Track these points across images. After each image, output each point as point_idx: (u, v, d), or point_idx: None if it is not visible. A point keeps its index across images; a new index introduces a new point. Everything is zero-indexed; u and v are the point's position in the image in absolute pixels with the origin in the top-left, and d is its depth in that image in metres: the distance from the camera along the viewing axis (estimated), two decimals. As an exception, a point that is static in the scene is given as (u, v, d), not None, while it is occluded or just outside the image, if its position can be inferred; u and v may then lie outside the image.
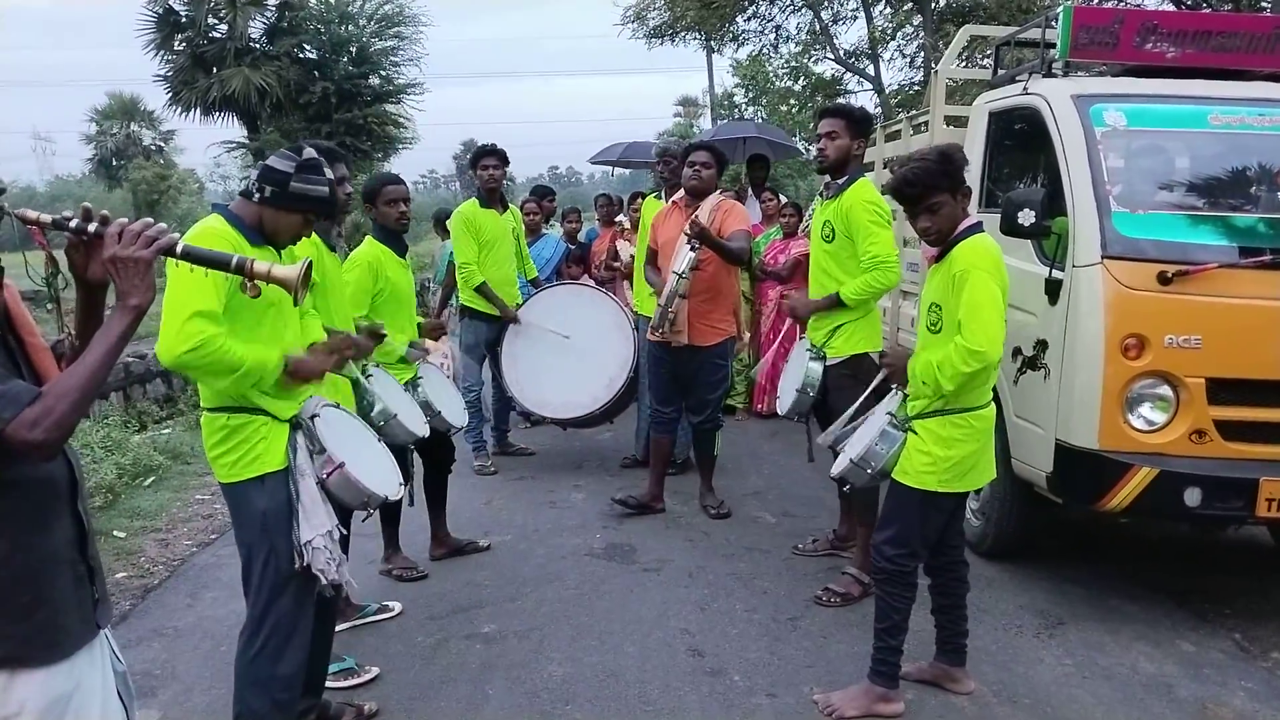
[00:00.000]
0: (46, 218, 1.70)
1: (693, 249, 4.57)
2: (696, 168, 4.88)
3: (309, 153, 2.64)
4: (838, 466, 3.36)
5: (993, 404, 3.09)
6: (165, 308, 2.43)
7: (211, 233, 2.53)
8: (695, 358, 4.92)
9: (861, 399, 3.49)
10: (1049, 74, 4.37)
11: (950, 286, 2.92)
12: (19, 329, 1.70)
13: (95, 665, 1.75)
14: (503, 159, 5.95)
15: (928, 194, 2.95)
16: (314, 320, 3.04)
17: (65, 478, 1.72)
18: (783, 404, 4.39)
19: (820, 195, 4.35)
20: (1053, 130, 3.99)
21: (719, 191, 5.01)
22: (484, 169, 5.91)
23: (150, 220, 1.70)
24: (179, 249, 1.74)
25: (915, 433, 3.07)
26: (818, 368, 4.10)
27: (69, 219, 1.69)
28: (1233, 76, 4.23)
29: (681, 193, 5.04)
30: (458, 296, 6.18)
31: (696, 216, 4.62)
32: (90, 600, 1.76)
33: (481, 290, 5.83)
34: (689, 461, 5.84)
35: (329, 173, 2.67)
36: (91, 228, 1.67)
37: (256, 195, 2.58)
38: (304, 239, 2.81)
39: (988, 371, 2.94)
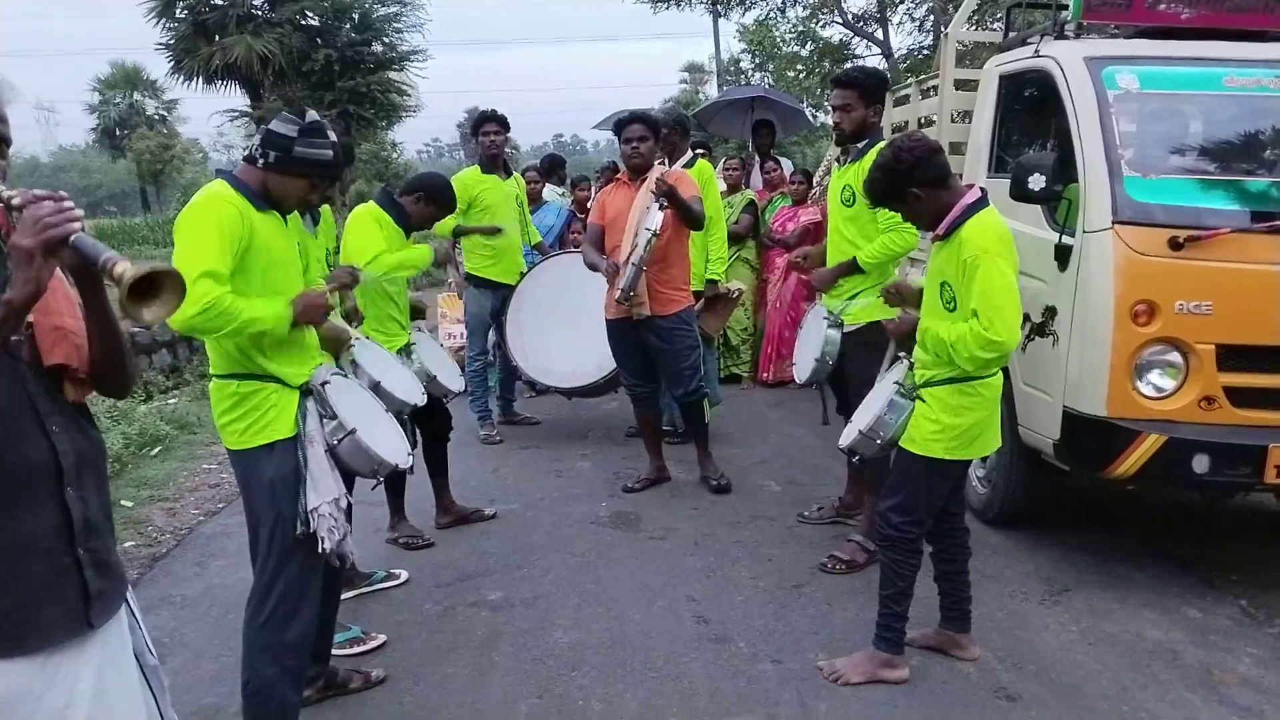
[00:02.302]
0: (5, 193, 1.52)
1: (661, 208, 4.52)
2: (634, 144, 4.75)
3: (311, 116, 2.61)
4: (846, 437, 3.35)
5: (1000, 372, 3.06)
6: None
7: (217, 196, 2.53)
8: (660, 328, 4.84)
9: (883, 372, 3.46)
10: (1061, 36, 4.28)
11: (961, 271, 2.87)
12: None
13: (86, 664, 1.63)
14: (503, 124, 5.91)
15: (882, 204, 3.11)
16: (315, 284, 3.02)
17: (48, 464, 1.60)
18: (800, 372, 4.36)
19: (839, 160, 4.31)
20: (1064, 93, 3.93)
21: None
22: (485, 135, 5.87)
23: (66, 205, 1.48)
24: (71, 239, 1.47)
25: (924, 401, 3.05)
26: (836, 335, 4.07)
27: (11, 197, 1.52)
28: (1248, 38, 4.15)
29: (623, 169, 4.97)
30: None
31: (663, 176, 4.56)
32: (79, 595, 1.63)
33: (459, 231, 5.81)
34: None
35: (332, 135, 2.65)
36: (16, 201, 1.49)
37: (260, 161, 2.57)
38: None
39: (1005, 356, 2.92)
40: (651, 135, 4.78)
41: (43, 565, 1.59)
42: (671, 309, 4.83)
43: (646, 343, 4.90)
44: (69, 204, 1.49)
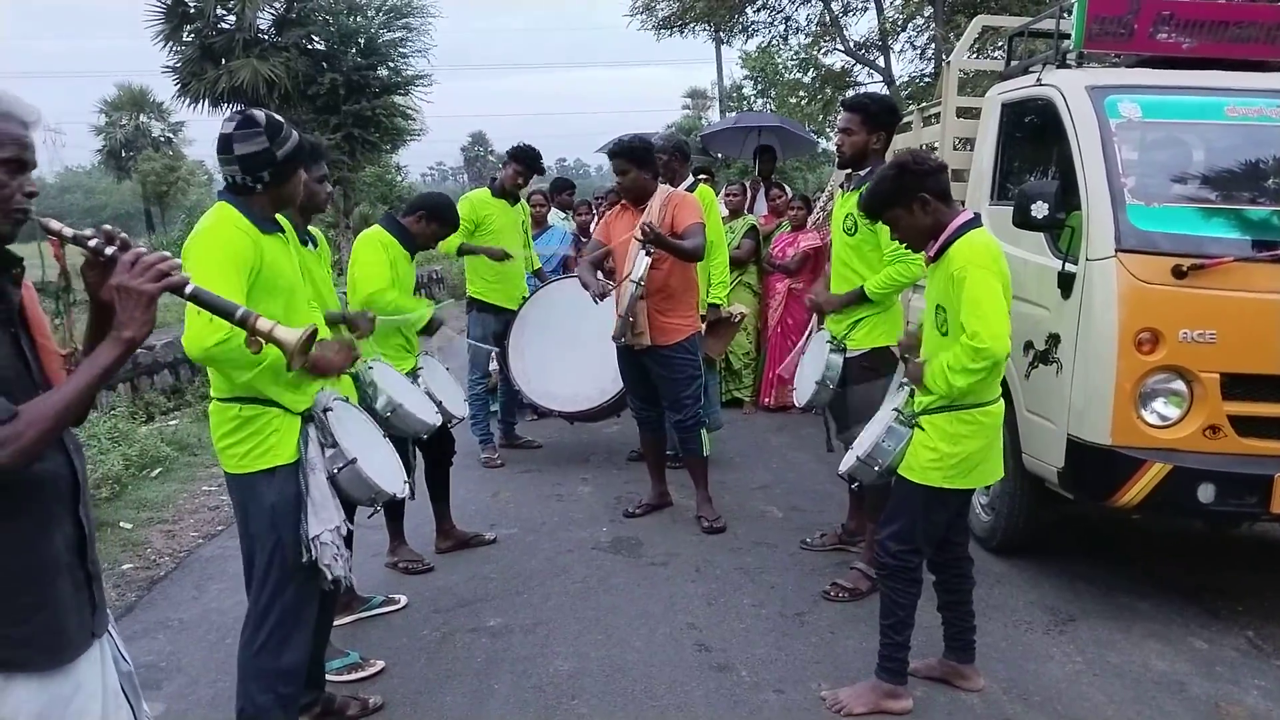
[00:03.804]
0: (68, 231, 1.67)
1: (648, 254, 4.51)
2: (618, 179, 4.80)
3: (258, 115, 2.57)
4: (845, 464, 3.34)
5: (1001, 400, 3.05)
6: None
7: (227, 223, 2.52)
8: (661, 356, 4.81)
9: (888, 397, 3.44)
10: (1063, 65, 4.31)
11: (950, 287, 2.88)
12: (32, 330, 1.69)
13: (95, 668, 1.72)
14: (534, 171, 6.01)
15: (880, 213, 3.06)
16: (318, 314, 3.03)
17: (69, 478, 1.69)
18: (800, 396, 4.35)
19: (841, 187, 4.31)
20: (1067, 122, 3.94)
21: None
22: (516, 173, 5.92)
23: (167, 254, 1.65)
24: (188, 289, 1.67)
25: (922, 428, 3.04)
26: (838, 360, 4.06)
27: (89, 237, 1.65)
28: (1250, 67, 4.17)
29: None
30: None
31: (649, 222, 4.56)
32: (90, 607, 1.72)
33: (463, 250, 5.83)
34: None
35: (277, 117, 2.61)
36: (109, 250, 1.64)
37: (260, 186, 2.57)
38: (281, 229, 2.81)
39: (997, 367, 2.90)
40: (633, 166, 4.72)
41: (68, 580, 1.67)
42: (674, 338, 4.78)
43: (649, 369, 4.89)
44: (166, 254, 1.66)
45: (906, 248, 3.18)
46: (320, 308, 3.11)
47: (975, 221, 2.96)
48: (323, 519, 2.62)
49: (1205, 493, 3.50)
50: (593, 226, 8.20)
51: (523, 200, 6.28)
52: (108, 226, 1.70)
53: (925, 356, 3.09)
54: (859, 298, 3.99)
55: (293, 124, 2.68)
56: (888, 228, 3.41)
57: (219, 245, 2.47)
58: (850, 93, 16.40)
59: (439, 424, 3.80)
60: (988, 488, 4.37)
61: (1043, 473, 4.00)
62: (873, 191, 3.06)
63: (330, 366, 2.75)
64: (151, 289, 1.59)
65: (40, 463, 1.61)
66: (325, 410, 2.74)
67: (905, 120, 6.74)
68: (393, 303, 3.97)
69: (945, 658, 3.32)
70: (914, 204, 2.94)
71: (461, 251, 5.85)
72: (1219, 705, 3.21)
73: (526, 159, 5.95)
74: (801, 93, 16.70)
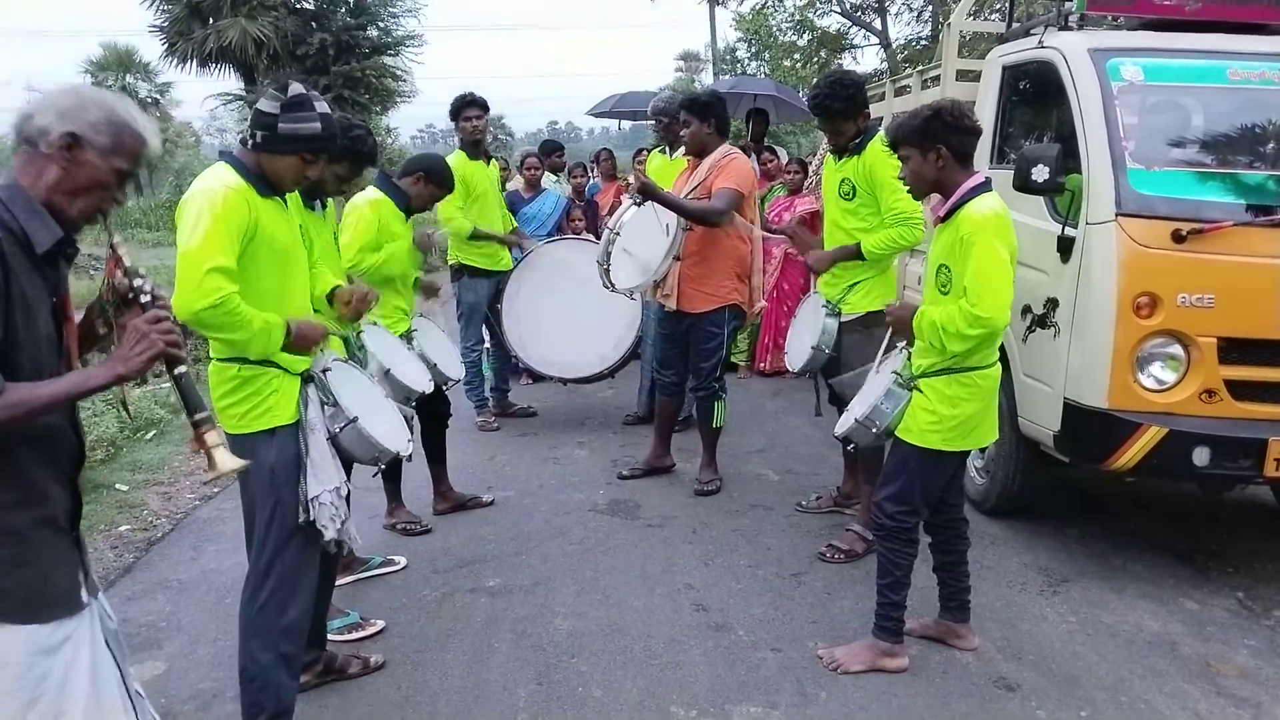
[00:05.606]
0: (128, 261, 1.85)
1: (636, 204, 4.46)
2: (681, 131, 4.80)
3: (295, 89, 2.52)
4: (842, 425, 3.35)
5: (998, 363, 3.06)
6: (181, 259, 2.39)
7: (222, 185, 2.47)
8: (687, 323, 4.76)
9: (879, 358, 3.44)
10: (1064, 27, 4.28)
11: (958, 250, 2.88)
12: (64, 302, 1.77)
13: (84, 628, 1.76)
14: (484, 108, 5.76)
15: (898, 145, 3.04)
16: (322, 270, 3.00)
17: (75, 450, 1.81)
18: (794, 360, 4.34)
19: (835, 153, 4.27)
20: (1068, 85, 3.92)
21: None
22: (466, 120, 5.69)
23: (180, 336, 1.79)
24: (179, 369, 1.83)
25: (920, 391, 3.05)
26: (833, 324, 4.05)
27: (141, 277, 1.84)
28: (1253, 30, 4.15)
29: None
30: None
31: (640, 172, 4.52)
32: (81, 572, 1.79)
33: (476, 235, 5.71)
34: (692, 418, 5.79)
35: (321, 107, 2.55)
36: (145, 299, 1.82)
37: (250, 142, 2.53)
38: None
39: (994, 336, 2.91)
40: (695, 118, 4.65)
41: (60, 541, 1.75)
42: (701, 308, 4.68)
43: (675, 333, 4.85)
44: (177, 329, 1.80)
45: (908, 190, 3.14)
46: (324, 270, 3.07)
47: (986, 185, 2.94)
48: (322, 479, 2.62)
49: (1200, 456, 3.53)
50: (587, 189, 8.16)
51: (493, 159, 6.16)
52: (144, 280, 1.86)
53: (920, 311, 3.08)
54: (853, 255, 3.98)
55: (343, 124, 2.63)
56: (889, 189, 3.40)
57: (214, 206, 2.41)
58: (846, 55, 16.28)
59: (429, 390, 3.76)
60: (982, 451, 4.41)
61: (1039, 436, 4.03)
62: (900, 123, 3.04)
63: (310, 337, 2.68)
64: (160, 347, 1.73)
65: (61, 428, 1.76)
66: (325, 370, 2.73)
67: (904, 83, 6.71)
68: (378, 259, 3.93)
69: (941, 618, 3.37)
70: (930, 151, 2.93)
71: (474, 236, 5.70)
72: (1210, 664, 3.26)
73: (462, 104, 5.71)
74: (796, 56, 16.55)
